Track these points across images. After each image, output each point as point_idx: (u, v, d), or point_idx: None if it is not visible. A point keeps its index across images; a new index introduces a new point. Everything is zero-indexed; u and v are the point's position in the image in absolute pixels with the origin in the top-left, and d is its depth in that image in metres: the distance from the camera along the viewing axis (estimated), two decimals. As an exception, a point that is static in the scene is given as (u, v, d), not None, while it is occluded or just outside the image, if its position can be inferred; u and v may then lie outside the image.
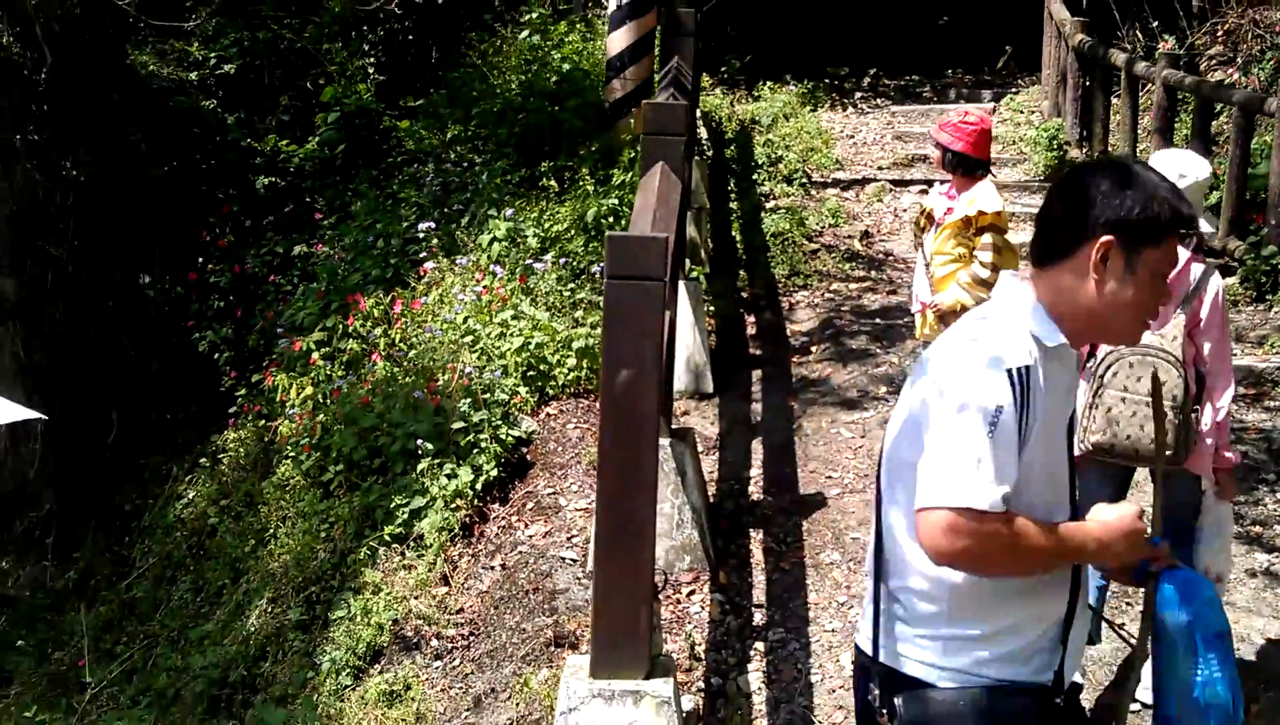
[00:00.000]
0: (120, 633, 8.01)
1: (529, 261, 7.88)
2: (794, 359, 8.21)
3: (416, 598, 5.79)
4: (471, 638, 5.50)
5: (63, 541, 10.32)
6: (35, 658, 8.80)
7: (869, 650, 2.60)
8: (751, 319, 8.90)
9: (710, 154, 11.65)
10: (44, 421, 9.69)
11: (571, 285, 7.86)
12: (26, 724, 7.49)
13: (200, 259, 10.41)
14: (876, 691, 2.57)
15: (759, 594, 5.71)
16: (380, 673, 5.55)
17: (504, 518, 6.08)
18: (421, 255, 8.37)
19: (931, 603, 2.51)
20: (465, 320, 7.19)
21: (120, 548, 9.56)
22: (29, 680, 8.48)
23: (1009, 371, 2.38)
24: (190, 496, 8.98)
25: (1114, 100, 11.61)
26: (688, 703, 4.85)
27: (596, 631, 4.14)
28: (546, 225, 8.31)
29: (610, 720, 4.03)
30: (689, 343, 7.42)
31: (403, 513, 6.17)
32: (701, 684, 5.08)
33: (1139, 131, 10.91)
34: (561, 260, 7.92)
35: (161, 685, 6.56)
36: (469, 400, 6.41)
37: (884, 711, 2.54)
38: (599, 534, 4.18)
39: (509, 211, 8.33)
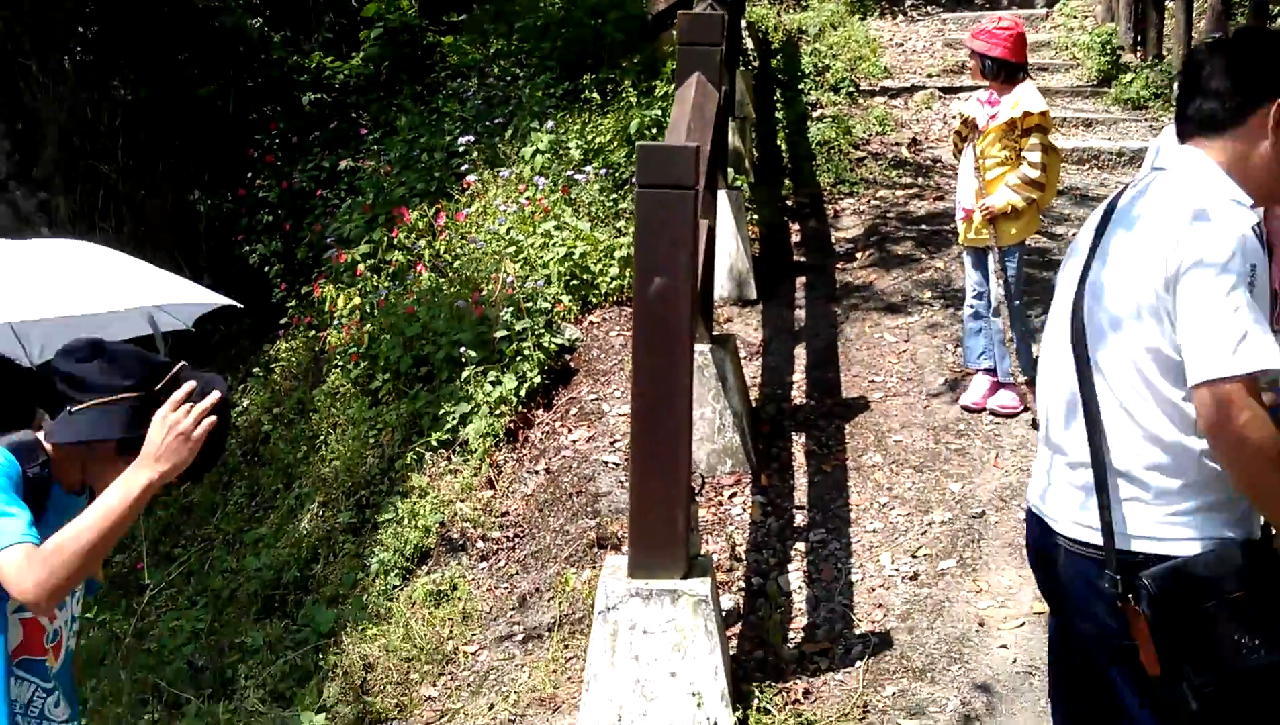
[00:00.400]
0: (178, 536, 8.21)
1: (571, 173, 7.90)
2: (838, 266, 8.20)
3: (462, 501, 5.91)
4: (516, 539, 5.61)
5: (124, 449, 10.55)
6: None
7: (1096, 539, 2.56)
8: (796, 227, 8.88)
9: (756, 64, 11.56)
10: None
11: (614, 196, 7.88)
12: (88, 624, 7.74)
13: (249, 175, 10.48)
14: (1113, 576, 2.51)
15: (800, 496, 5.78)
16: (427, 573, 5.68)
17: (548, 423, 6.16)
18: (464, 168, 8.40)
19: (1178, 476, 2.48)
20: (508, 231, 7.24)
21: (178, 455, 9.76)
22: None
23: (1250, 230, 2.37)
24: (244, 405, 9.14)
25: (1169, 4, 11.39)
26: (727, 602, 4.95)
27: (634, 534, 4.22)
28: (589, 137, 8.32)
29: (648, 618, 4.12)
30: (731, 251, 7.44)
31: (449, 419, 6.28)
32: (742, 584, 5.16)
33: (1193, 36, 10.71)
34: (604, 171, 7.93)
35: (217, 586, 6.73)
36: (512, 309, 6.48)
37: (1127, 596, 2.49)
38: (634, 440, 4.24)
39: (550, 124, 8.34)
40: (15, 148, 11.09)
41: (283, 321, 9.34)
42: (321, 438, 7.47)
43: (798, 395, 6.62)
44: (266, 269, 9.88)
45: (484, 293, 6.86)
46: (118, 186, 10.91)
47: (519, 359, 6.34)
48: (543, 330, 6.42)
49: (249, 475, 8.16)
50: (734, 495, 5.73)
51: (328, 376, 7.93)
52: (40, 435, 2.75)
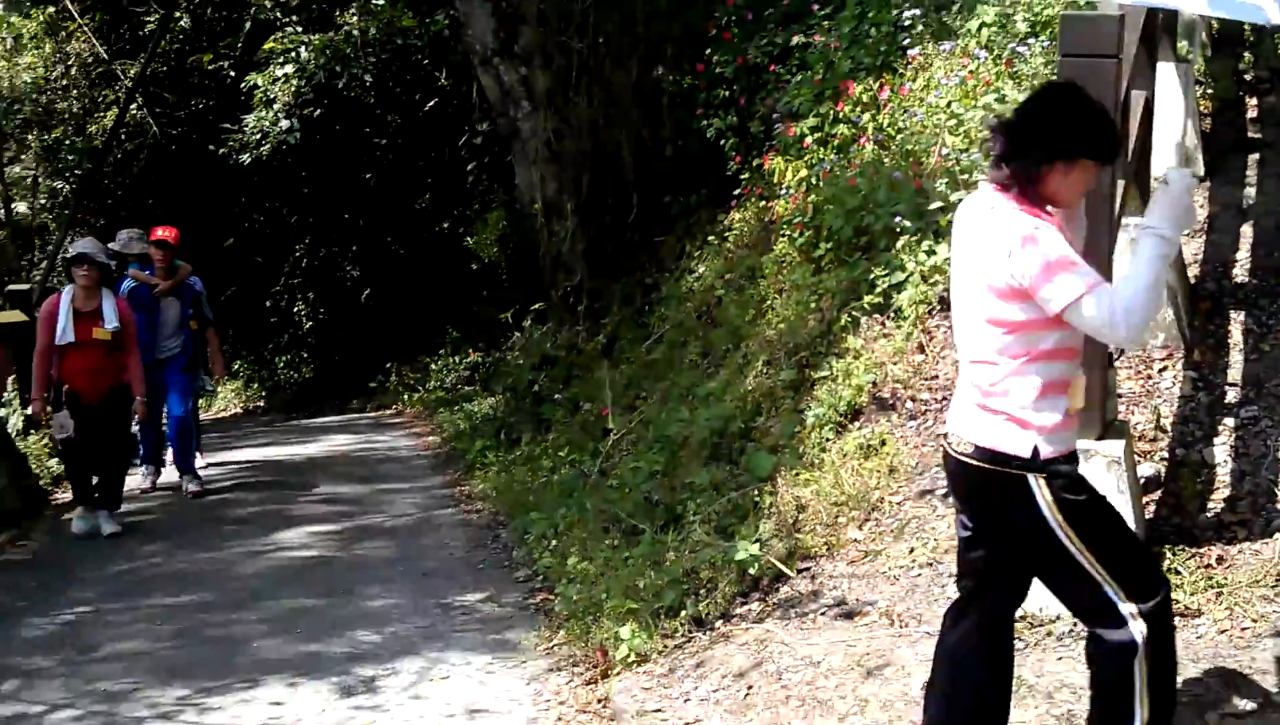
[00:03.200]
0: (639, 389, 9.08)
1: (1015, 46, 7.90)
2: (1297, 141, 7.81)
3: (894, 364, 6.29)
4: (944, 401, 5.94)
5: (593, 310, 11.60)
6: (569, 409, 10.12)
7: None
8: (1253, 102, 8.48)
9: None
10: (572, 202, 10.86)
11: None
12: (561, 461, 8.75)
13: (707, 51, 11.03)
14: None
15: (1234, 373, 5.74)
16: (858, 428, 6.13)
17: (979, 293, 6.38)
18: (906, 42, 8.57)
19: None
20: (949, 104, 7.40)
21: (641, 316, 10.66)
22: (563, 427, 9.79)
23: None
24: (700, 271, 9.86)
25: None
26: (1147, 469, 5.09)
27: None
28: (1038, 9, 8.25)
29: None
30: (1176, 125, 7.27)
31: (882, 284, 6.64)
32: (1164, 454, 5.26)
33: None
34: (1047, 44, 7.87)
35: (672, 433, 7.47)
36: (947, 180, 6.70)
37: None
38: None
39: (995, -7, 8.32)
40: (500, 26, 12.18)
41: (735, 192, 9.93)
42: (768, 302, 8.03)
43: (1240, 273, 6.48)
44: (722, 142, 10.44)
45: (923, 165, 7.10)
46: (589, 62, 11.75)
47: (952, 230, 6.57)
48: (977, 202, 6.59)
49: (702, 336, 8.87)
50: (1164, 369, 5.78)
51: (775, 244, 8.45)
52: None
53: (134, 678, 5.67)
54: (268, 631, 6.30)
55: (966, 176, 6.67)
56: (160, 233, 10.13)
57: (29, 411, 9.93)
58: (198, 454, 10.77)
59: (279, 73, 17.32)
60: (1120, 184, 4.39)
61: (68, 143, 19.81)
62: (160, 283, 10.03)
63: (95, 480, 8.92)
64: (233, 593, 7.08)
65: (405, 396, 16.81)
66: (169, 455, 10.57)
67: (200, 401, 12.01)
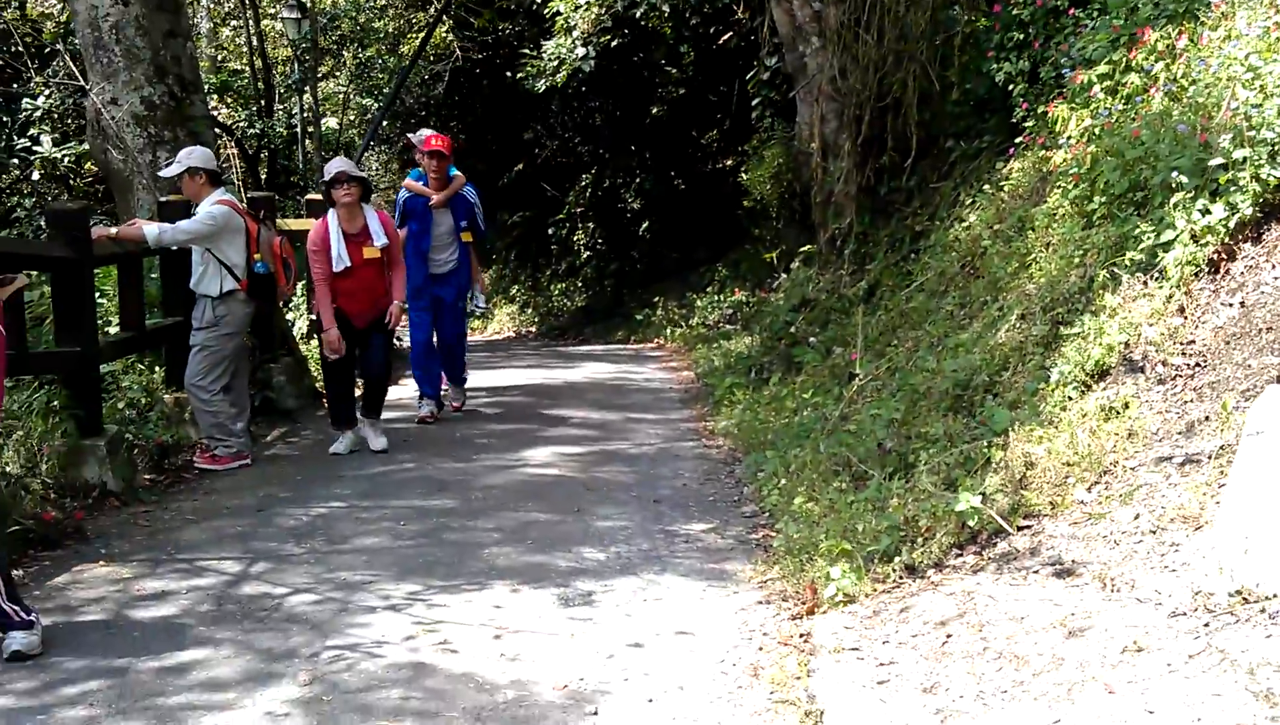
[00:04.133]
0: (892, 336, 8.90)
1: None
2: None
3: (1151, 325, 5.95)
4: (1197, 368, 5.60)
5: (859, 254, 11.42)
6: (822, 353, 10.03)
7: None
8: None
9: None
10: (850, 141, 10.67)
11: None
12: (804, 403, 8.69)
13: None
14: None
15: None
16: (1103, 389, 5.85)
17: (1253, 257, 5.97)
18: (1211, -13, 8.01)
19: None
20: (1247, 56, 6.90)
21: (906, 263, 10.44)
22: (813, 370, 9.72)
23: None
24: (970, 220, 9.56)
25: None
26: None
27: (1297, 363, 4.15)
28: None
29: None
30: None
31: (1147, 241, 6.29)
32: None
33: None
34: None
35: (916, 382, 7.31)
36: (1233, 136, 6.25)
37: None
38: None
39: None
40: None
41: (1017, 141, 9.55)
42: (1033, 255, 7.72)
43: None
44: (1011, 87, 10.06)
45: (1211, 119, 6.65)
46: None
47: (1234, 190, 6.15)
48: (1264, 161, 6.15)
49: (962, 286, 8.62)
50: None
51: (1049, 196, 8.10)
52: None
53: (373, 571, 6.02)
54: (500, 539, 6.56)
55: (1254, 133, 6.22)
56: (434, 142, 9.86)
57: (313, 316, 10.15)
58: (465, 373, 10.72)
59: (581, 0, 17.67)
60: None
61: (379, 62, 20.78)
62: (434, 195, 9.84)
63: (359, 392, 9.13)
64: (474, 502, 7.39)
65: (669, 330, 17.03)
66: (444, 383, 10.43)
67: (474, 322, 11.99)
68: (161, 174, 9.18)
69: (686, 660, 4.83)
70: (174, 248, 8.47)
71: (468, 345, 10.89)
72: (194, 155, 8.41)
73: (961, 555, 5.30)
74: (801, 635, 4.97)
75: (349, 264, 8.54)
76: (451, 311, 10.09)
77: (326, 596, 5.65)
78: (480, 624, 5.25)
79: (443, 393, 10.41)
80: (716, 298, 16.57)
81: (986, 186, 9.67)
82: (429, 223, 9.86)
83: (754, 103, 16.23)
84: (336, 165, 8.76)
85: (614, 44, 18.14)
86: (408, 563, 6.16)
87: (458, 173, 10.13)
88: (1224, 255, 6.05)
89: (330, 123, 22.54)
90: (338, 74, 22.37)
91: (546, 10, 18.43)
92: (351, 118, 22.69)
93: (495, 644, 5.03)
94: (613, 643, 5.03)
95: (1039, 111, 9.14)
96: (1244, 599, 3.86)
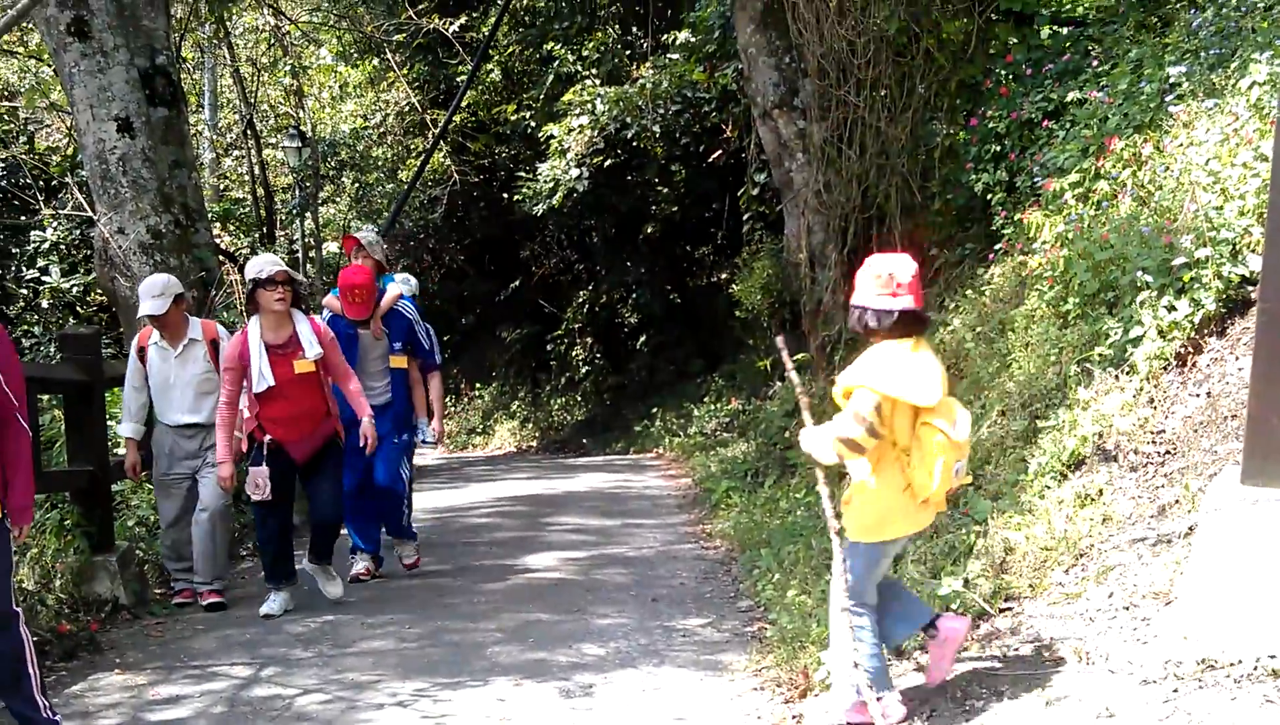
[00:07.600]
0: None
1: (1282, 103, 7.66)
2: None
3: (1122, 417, 6.23)
4: (1167, 455, 5.86)
5: (849, 360, 11.64)
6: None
7: None
8: None
9: None
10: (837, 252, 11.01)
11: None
12: (797, 503, 8.86)
13: (980, 108, 11.05)
14: None
15: None
16: (1078, 478, 6.11)
17: (1217, 351, 6.27)
18: (1169, 99, 8.41)
19: None
20: (1207, 161, 7.26)
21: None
22: (806, 472, 9.93)
23: None
24: (954, 324, 9.87)
25: None
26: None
27: (1250, 440, 4.40)
28: (1314, 66, 7.97)
29: (1254, 522, 4.28)
30: None
31: (1118, 337, 6.59)
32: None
33: None
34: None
35: (904, 477, 7.53)
36: (1194, 236, 6.58)
37: None
38: (1257, 355, 4.40)
39: (1269, 54, 8.08)
40: (782, 79, 12.53)
41: (997, 247, 9.91)
42: (1012, 355, 8.01)
43: None
44: (989, 196, 10.44)
45: (1174, 221, 6.99)
46: (864, 115, 11.92)
47: (1196, 287, 6.47)
48: (1225, 259, 6.47)
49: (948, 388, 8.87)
50: None
51: (1027, 299, 8.42)
52: None
53: (379, 671, 6.21)
54: (502, 639, 6.77)
55: (1215, 234, 6.55)
56: (353, 277, 8.17)
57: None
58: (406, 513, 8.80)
59: (574, 123, 18.25)
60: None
61: (379, 188, 21.36)
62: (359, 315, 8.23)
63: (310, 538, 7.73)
64: (477, 604, 7.61)
65: (666, 440, 17.30)
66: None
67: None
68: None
69: (684, 745, 5.02)
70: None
71: (411, 489, 8.92)
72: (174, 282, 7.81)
73: (946, 638, 5.51)
74: (794, 717, 5.17)
75: (271, 383, 7.10)
76: (383, 450, 8.17)
77: (335, 696, 5.83)
78: (484, 716, 5.44)
79: (396, 545, 8.83)
80: (713, 407, 16.87)
81: (969, 291, 10.01)
82: (354, 347, 8.21)
83: (745, 217, 16.69)
84: (269, 263, 7.25)
85: (607, 164, 18.70)
86: (413, 662, 6.36)
87: (394, 281, 8.76)
88: (1190, 348, 6.35)
89: (331, 247, 23.06)
90: (338, 199, 22.94)
91: (541, 134, 19.03)
92: (352, 243, 23.27)
93: (500, 734, 5.22)
94: (613, 730, 5.22)
95: (1016, 219, 9.51)
96: (1209, 666, 4.08)
